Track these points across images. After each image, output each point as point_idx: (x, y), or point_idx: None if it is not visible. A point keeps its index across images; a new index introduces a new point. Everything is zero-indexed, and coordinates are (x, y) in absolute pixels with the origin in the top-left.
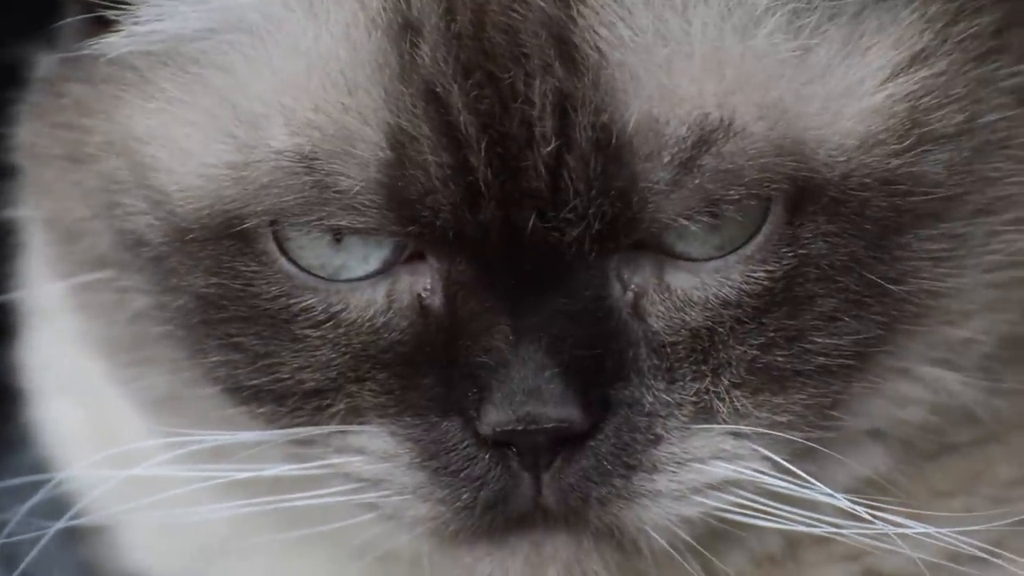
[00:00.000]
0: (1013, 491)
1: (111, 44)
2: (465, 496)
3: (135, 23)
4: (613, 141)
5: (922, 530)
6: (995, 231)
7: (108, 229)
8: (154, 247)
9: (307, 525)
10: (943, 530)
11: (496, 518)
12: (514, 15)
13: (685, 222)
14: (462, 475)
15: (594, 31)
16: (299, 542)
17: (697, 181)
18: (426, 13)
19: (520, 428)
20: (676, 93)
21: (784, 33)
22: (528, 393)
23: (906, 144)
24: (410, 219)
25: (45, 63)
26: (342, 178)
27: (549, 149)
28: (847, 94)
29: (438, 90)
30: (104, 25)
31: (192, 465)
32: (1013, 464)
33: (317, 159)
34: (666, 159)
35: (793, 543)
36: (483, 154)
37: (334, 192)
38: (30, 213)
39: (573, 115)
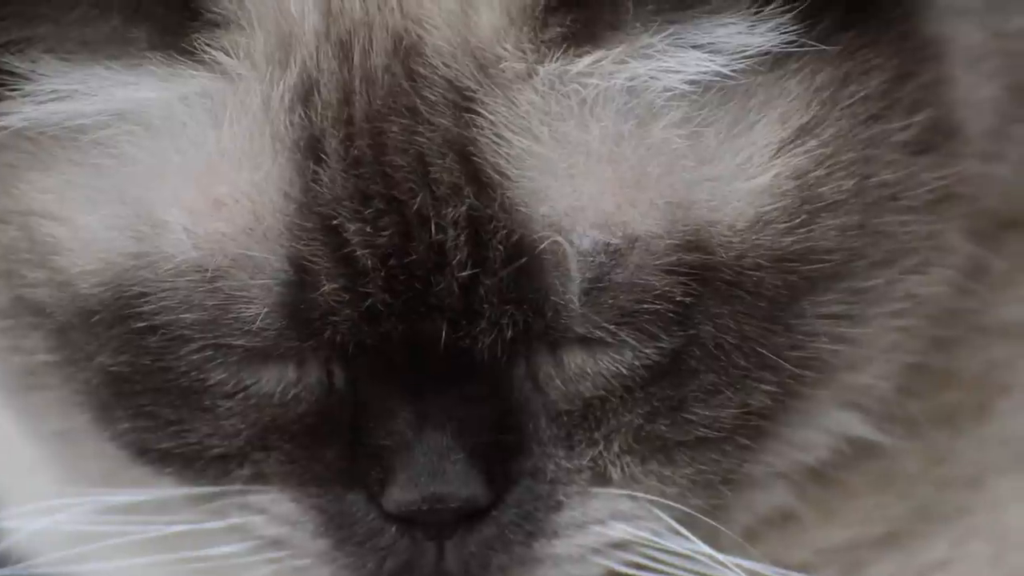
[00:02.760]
0: (918, 485)
1: (6, 117)
2: (371, 565)
3: (32, 100)
4: (525, 260)
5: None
6: (896, 279)
7: (6, 290)
8: (57, 321)
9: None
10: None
11: None
12: (417, 138)
13: (596, 333)
14: (367, 545)
15: (494, 148)
16: None
17: (608, 296)
18: (327, 135)
19: (425, 508)
20: (578, 205)
21: (677, 126)
22: (432, 475)
23: (798, 221)
24: (310, 335)
25: None
26: (245, 305)
27: (465, 273)
28: (736, 175)
29: (336, 223)
30: None
31: (100, 518)
32: (920, 458)
33: (220, 280)
34: (576, 277)
35: None
36: (381, 281)
37: (235, 318)
38: None
39: (487, 238)
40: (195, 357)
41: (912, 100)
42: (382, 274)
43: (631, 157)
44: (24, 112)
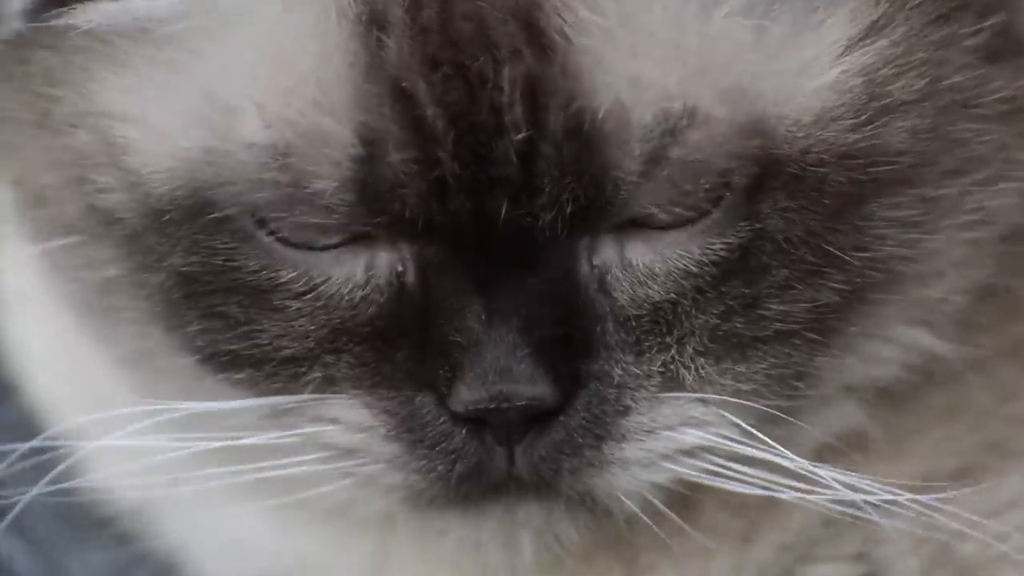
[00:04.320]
0: (989, 420)
1: (83, 16)
2: (440, 468)
3: None
4: (585, 127)
5: (888, 497)
6: (968, 191)
7: (77, 199)
8: (128, 226)
9: (283, 493)
10: (907, 496)
11: (470, 489)
12: (481, 3)
13: (654, 211)
14: (437, 448)
15: (560, 16)
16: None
17: (666, 172)
18: (392, 6)
19: (493, 407)
20: (641, 80)
21: (740, 15)
22: (500, 373)
23: (864, 118)
24: (380, 211)
25: (5, 25)
26: (316, 180)
27: (521, 136)
28: (802, 71)
29: (405, 85)
30: None
31: (169, 434)
32: (991, 391)
33: (291, 156)
34: (636, 150)
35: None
36: (451, 147)
37: (308, 192)
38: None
39: (544, 101)
40: (265, 254)
41: (983, 3)
42: (450, 138)
43: (694, 41)
44: (99, 11)
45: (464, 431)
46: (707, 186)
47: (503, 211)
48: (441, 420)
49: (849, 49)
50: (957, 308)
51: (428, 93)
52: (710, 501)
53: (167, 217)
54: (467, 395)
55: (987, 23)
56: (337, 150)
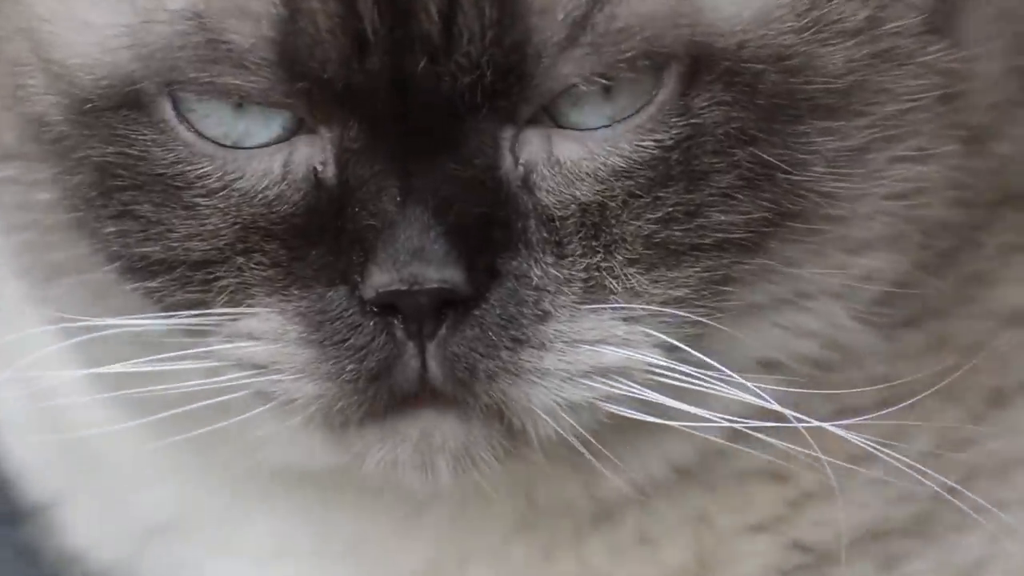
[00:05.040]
0: (932, 461)
1: None
2: (350, 368)
3: None
4: None
5: (817, 425)
6: (898, 157)
7: (15, 118)
8: (54, 126)
9: (204, 424)
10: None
11: (380, 392)
12: None
13: (577, 81)
14: (345, 345)
15: None
16: (239, 514)
17: (590, 39)
18: None
19: (403, 288)
20: None
21: None
22: (412, 253)
23: (803, 23)
24: (300, 75)
25: None
26: (234, 35)
27: None
28: None
29: None
30: None
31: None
32: (931, 433)
33: (209, 16)
34: (560, 16)
35: (707, 456)
36: (372, 1)
37: (226, 49)
38: None
39: None
40: (183, 147)
41: None
42: None
43: None
44: None
45: (372, 323)
46: (628, 56)
47: (420, 68)
48: (350, 313)
49: None
50: (878, 292)
51: None
52: (639, 457)
53: (89, 107)
54: (377, 278)
55: None
56: (257, 6)
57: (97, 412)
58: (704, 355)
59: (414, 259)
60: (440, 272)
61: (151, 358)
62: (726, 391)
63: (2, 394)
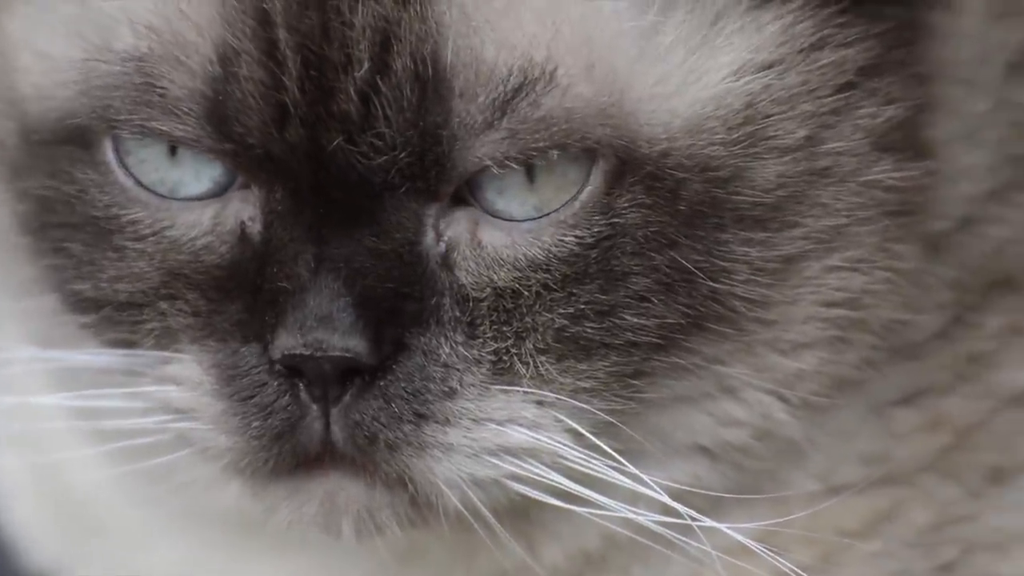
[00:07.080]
0: (931, 536)
1: None
2: (255, 424)
3: None
4: (431, 75)
5: (712, 525)
6: (834, 267)
7: None
8: (9, 151)
9: (133, 461)
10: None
11: (285, 451)
12: None
13: (490, 164)
14: (252, 402)
15: None
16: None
17: (508, 124)
18: None
19: (306, 353)
20: (508, 39)
21: (632, 8)
22: (319, 320)
23: (735, 137)
24: (226, 136)
25: None
26: (169, 82)
27: (362, 73)
28: (687, 80)
29: (265, 6)
30: None
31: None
32: (930, 509)
33: (149, 61)
34: (482, 99)
35: (613, 544)
36: (295, 73)
37: (159, 94)
38: None
39: (394, 43)
40: (119, 191)
41: (891, 94)
42: (297, 64)
43: (575, 13)
44: None
45: (277, 384)
46: (543, 146)
47: (335, 144)
48: (258, 371)
49: (739, 73)
50: (812, 389)
51: (284, 16)
52: (549, 541)
53: (36, 138)
54: (284, 340)
55: (888, 112)
56: (194, 60)
57: (95, 471)
58: (621, 442)
59: (320, 325)
60: (344, 340)
61: (84, 392)
62: (625, 481)
63: (3, 461)
